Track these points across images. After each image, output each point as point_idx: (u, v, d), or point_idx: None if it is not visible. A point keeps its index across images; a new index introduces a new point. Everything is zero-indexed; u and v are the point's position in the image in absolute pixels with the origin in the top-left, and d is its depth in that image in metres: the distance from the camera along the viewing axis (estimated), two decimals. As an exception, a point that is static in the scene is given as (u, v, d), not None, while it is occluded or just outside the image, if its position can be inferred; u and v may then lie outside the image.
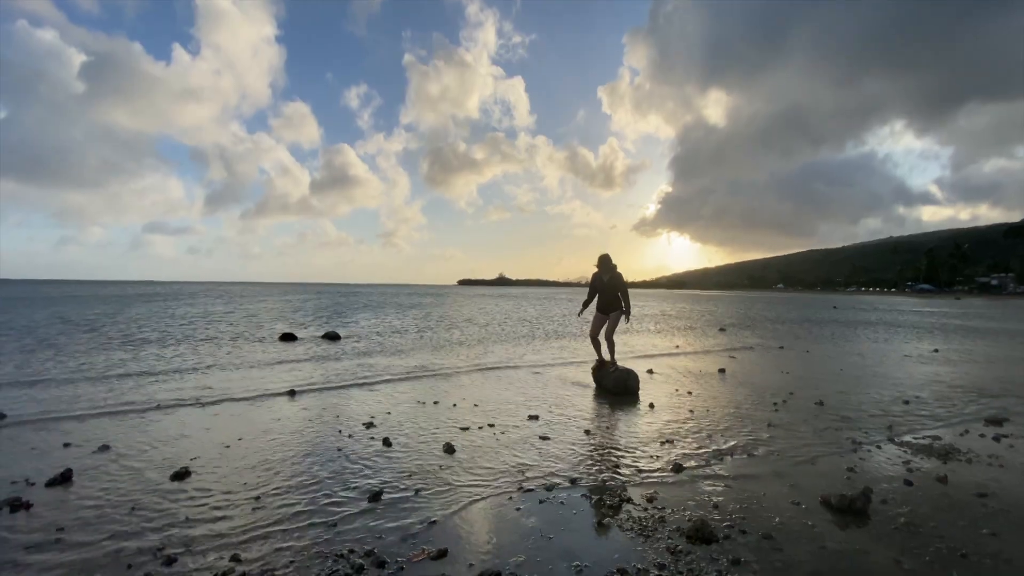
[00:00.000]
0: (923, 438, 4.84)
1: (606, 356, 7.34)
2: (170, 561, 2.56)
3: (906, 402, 6.41)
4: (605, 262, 6.96)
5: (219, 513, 3.13)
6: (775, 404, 6.23)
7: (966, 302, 69.39)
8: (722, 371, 8.89)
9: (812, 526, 3.01)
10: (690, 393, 6.91)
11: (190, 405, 6.03)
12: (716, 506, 3.27)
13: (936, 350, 12.56)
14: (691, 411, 5.88)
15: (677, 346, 13.26)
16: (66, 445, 4.47)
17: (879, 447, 4.57)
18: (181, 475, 3.72)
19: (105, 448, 4.38)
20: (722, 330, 18.58)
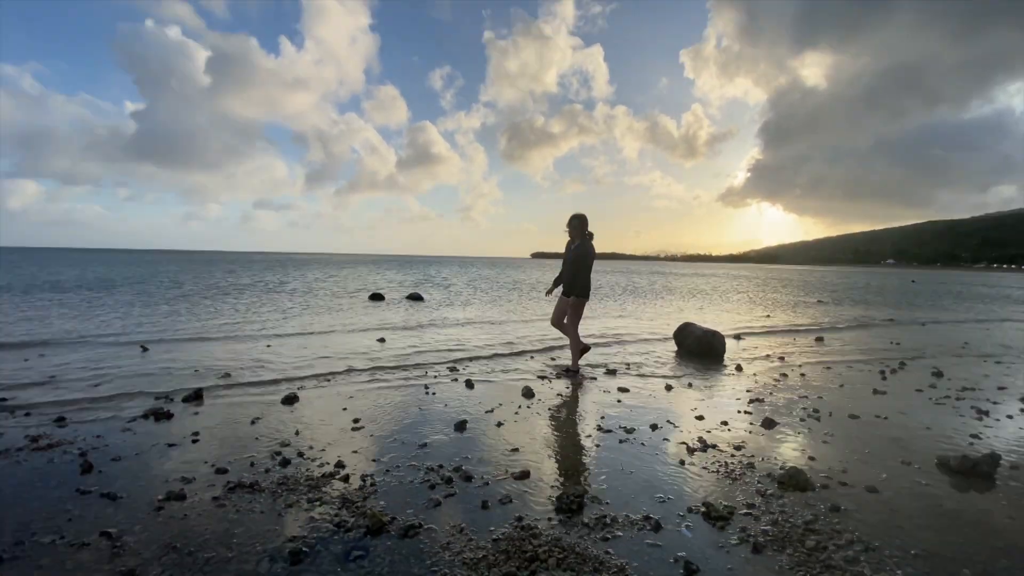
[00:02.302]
0: (1070, 412, 4.21)
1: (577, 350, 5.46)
2: (286, 463, 2.88)
3: (1049, 377, 5.58)
4: (577, 225, 5.22)
5: (322, 430, 3.45)
6: (883, 372, 5.69)
7: None
8: (819, 339, 8.24)
9: (925, 484, 2.74)
10: (782, 358, 6.49)
11: (297, 342, 6.65)
12: (812, 458, 3.09)
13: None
14: (783, 374, 5.53)
15: (768, 315, 12.45)
16: (195, 371, 5.14)
17: (1010, 417, 4.04)
18: (290, 399, 4.14)
19: (227, 375, 4.96)
20: (820, 302, 17.14)
